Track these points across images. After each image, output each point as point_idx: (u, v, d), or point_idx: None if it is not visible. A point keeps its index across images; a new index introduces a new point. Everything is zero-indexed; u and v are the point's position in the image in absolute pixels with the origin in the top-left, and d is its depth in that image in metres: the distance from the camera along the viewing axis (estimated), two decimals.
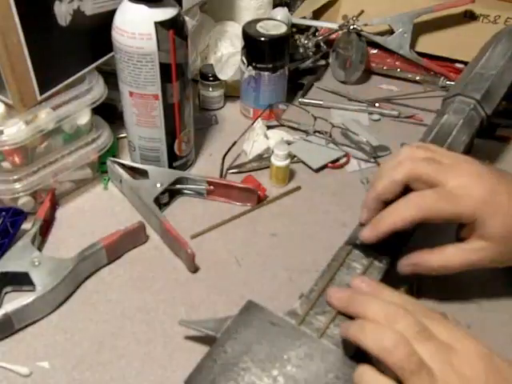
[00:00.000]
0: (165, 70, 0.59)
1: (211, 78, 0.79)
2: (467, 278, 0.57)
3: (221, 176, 0.69)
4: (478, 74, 0.69)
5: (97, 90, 0.63)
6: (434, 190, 0.48)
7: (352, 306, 0.44)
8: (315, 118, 0.74)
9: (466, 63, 0.78)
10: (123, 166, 0.66)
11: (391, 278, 0.52)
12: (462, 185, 0.48)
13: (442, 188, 0.48)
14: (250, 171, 0.70)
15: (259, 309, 0.47)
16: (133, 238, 0.59)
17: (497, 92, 0.68)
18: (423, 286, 0.55)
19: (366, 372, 0.39)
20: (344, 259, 0.52)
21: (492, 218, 0.47)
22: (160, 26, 0.56)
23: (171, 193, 0.66)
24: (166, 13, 0.57)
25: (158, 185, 0.63)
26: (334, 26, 0.88)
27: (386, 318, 0.40)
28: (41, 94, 0.59)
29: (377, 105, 0.83)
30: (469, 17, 0.84)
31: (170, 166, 0.68)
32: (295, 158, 0.72)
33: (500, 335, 0.52)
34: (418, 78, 0.89)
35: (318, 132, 0.75)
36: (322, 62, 0.91)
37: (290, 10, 0.88)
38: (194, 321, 0.49)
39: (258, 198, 0.65)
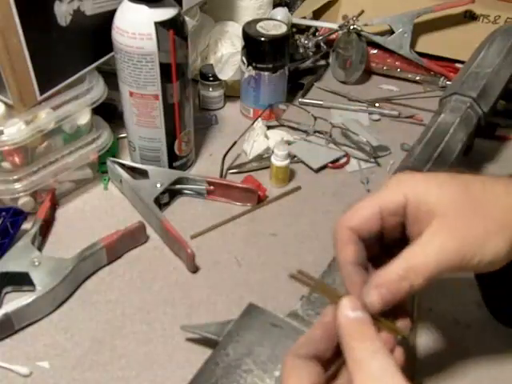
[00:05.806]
0: (165, 70, 0.59)
1: (211, 78, 0.79)
2: (467, 278, 0.57)
3: (221, 176, 0.69)
4: (474, 73, 0.69)
5: (97, 90, 0.63)
6: None
7: None
8: (315, 118, 0.74)
9: None
10: (123, 166, 0.66)
11: None
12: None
13: None
14: (250, 171, 0.70)
15: (260, 311, 0.47)
16: (133, 238, 0.59)
17: (493, 90, 0.68)
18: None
19: None
20: None
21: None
22: (160, 25, 0.56)
23: (171, 193, 0.66)
24: (165, 13, 0.57)
25: (158, 185, 0.63)
26: (334, 26, 0.88)
27: None
28: (41, 94, 0.59)
29: (377, 105, 0.83)
30: (469, 17, 0.84)
31: (170, 166, 0.68)
32: (295, 158, 0.72)
33: (500, 335, 0.52)
34: (417, 78, 0.89)
35: (318, 132, 0.75)
36: (322, 62, 0.91)
37: (290, 10, 0.88)
38: (196, 325, 0.50)
39: (258, 198, 0.65)
